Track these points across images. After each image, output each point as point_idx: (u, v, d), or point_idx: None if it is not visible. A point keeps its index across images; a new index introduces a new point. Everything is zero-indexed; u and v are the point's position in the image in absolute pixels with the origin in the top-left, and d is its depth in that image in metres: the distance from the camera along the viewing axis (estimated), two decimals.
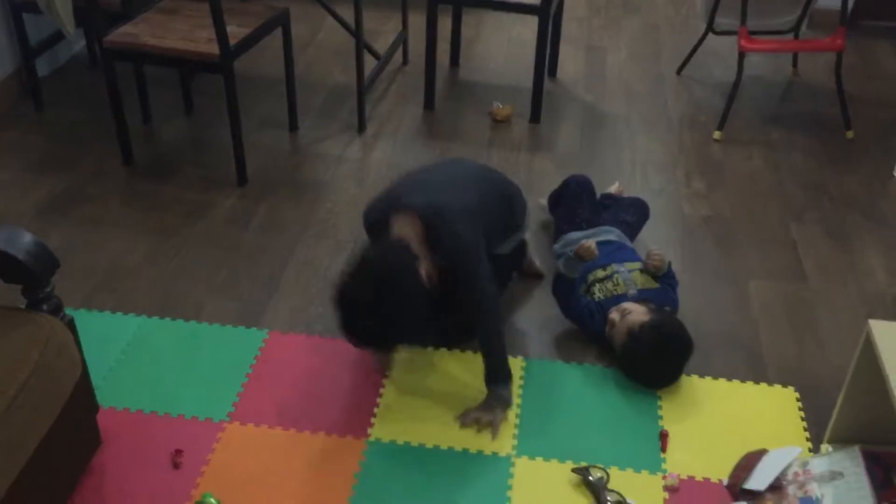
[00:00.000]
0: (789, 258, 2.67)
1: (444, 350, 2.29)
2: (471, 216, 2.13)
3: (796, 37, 3.56)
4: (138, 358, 2.24)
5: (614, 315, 2.21)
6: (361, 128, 3.26)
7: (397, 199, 2.16)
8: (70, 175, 2.94)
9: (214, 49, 2.67)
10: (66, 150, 3.08)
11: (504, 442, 2.05)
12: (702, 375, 2.25)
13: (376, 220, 2.18)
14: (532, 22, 3.19)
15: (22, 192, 2.85)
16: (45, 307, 1.73)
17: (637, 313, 2.19)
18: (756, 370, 2.27)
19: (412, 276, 1.99)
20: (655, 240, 2.72)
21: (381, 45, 3.70)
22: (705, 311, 2.46)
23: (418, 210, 2.09)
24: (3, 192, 2.86)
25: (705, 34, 3.53)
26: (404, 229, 2.08)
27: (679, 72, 3.70)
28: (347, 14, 3.13)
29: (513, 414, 2.12)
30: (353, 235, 2.68)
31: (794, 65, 3.73)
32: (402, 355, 2.26)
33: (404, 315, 1.96)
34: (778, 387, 2.22)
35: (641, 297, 2.26)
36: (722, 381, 2.24)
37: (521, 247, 2.49)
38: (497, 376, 2.12)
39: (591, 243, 2.26)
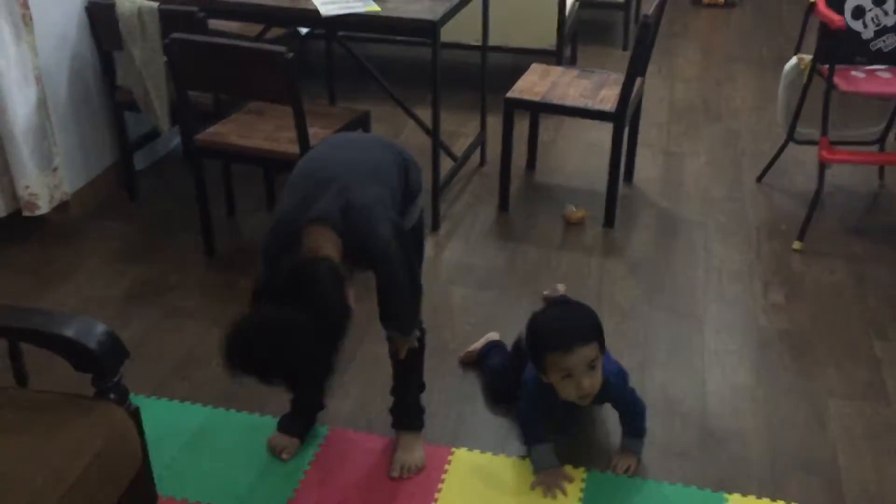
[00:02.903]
0: (872, 377, 2.55)
1: (503, 457, 2.25)
2: (383, 202, 1.88)
3: (882, 148, 3.48)
4: (202, 448, 2.28)
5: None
6: (435, 226, 3.31)
7: (304, 212, 1.82)
8: (155, 265, 3.07)
9: (295, 149, 2.78)
10: (154, 240, 3.23)
11: None
12: (773, 499, 2.13)
13: (281, 248, 1.84)
14: (609, 127, 3.23)
15: (109, 281, 2.99)
16: (112, 396, 1.78)
17: None
18: (833, 497, 2.15)
19: (340, 299, 1.73)
20: (727, 351, 2.65)
21: (461, 146, 3.80)
22: (780, 430, 2.35)
23: (333, 220, 1.80)
24: (93, 279, 3.00)
25: (785, 143, 3.50)
26: (321, 245, 1.79)
27: (759, 179, 3.66)
28: (428, 116, 3.23)
29: None
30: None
31: (881, 176, 3.64)
32: (458, 464, 2.23)
33: (323, 347, 1.68)
34: None
35: None
36: None
37: (422, 216, 2.21)
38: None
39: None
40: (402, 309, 2.05)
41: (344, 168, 1.91)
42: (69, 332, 1.74)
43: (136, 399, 1.91)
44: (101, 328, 1.76)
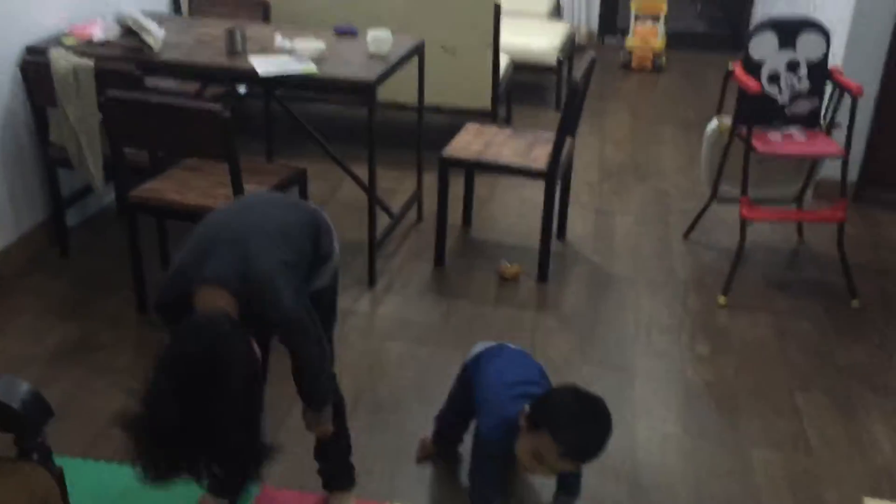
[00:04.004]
0: (794, 428, 2.64)
1: None
2: (287, 269, 1.85)
3: (800, 206, 3.64)
4: None
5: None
6: (372, 282, 3.34)
7: (198, 269, 1.79)
8: (86, 321, 3.03)
9: None
10: (85, 297, 3.18)
11: None
12: None
13: (176, 297, 1.81)
14: (542, 185, 3.32)
15: (38, 337, 2.93)
16: (35, 456, 1.75)
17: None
18: None
19: (246, 352, 1.72)
20: (656, 402, 2.71)
21: (397, 203, 3.85)
22: (706, 480, 2.41)
23: (229, 283, 1.77)
24: (20, 336, 2.94)
25: (709, 202, 3.64)
26: (215, 303, 1.76)
27: (686, 236, 3.78)
28: (366, 173, 3.28)
29: None
30: (356, 388, 2.70)
31: (800, 233, 3.80)
32: None
33: (237, 411, 1.66)
34: None
35: None
36: None
37: (336, 277, 2.16)
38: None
39: None
40: (313, 380, 1.99)
41: (248, 228, 1.88)
42: None
43: (62, 460, 1.88)
44: (24, 387, 1.74)
